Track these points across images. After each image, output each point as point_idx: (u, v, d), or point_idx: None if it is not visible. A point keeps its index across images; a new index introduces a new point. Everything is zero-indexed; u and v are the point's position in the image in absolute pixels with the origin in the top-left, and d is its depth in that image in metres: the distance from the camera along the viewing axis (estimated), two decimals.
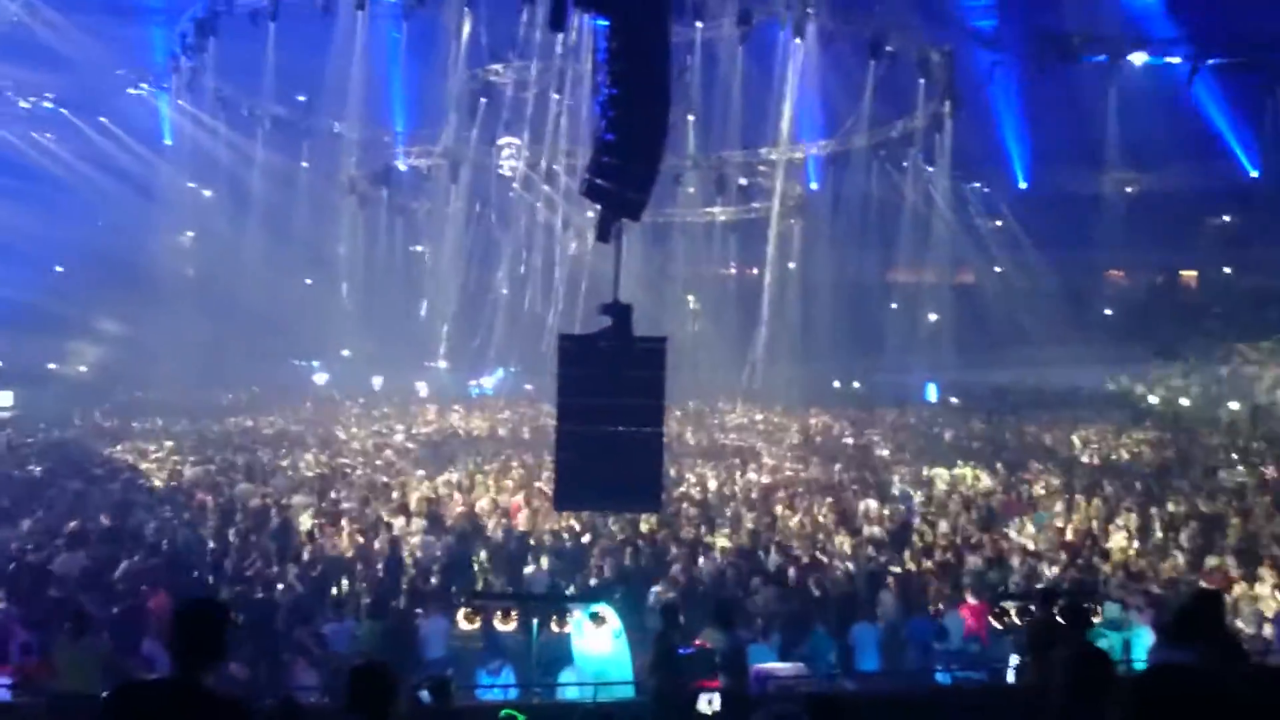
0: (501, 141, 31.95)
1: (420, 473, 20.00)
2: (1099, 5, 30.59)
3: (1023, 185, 35.25)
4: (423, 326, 37.84)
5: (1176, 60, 25.50)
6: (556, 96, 29.05)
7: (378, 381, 39.88)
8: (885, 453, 24.93)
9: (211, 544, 13.55)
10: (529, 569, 13.00)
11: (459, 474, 20.29)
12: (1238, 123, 31.50)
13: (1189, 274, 35.83)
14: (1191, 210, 35.57)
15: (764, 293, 34.69)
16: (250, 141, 32.87)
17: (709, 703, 7.03)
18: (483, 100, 30.92)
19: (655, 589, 11.76)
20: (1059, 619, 6.95)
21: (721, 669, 8.17)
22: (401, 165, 34.82)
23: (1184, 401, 31.96)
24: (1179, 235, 35.41)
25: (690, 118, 31.85)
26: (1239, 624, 10.12)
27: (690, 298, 42.67)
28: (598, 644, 9.32)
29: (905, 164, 32.82)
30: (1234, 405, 30.74)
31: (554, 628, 9.68)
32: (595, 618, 9.45)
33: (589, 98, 24.46)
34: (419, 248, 38.86)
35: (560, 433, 10.56)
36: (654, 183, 10.11)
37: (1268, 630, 10.32)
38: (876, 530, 15.85)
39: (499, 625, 9.93)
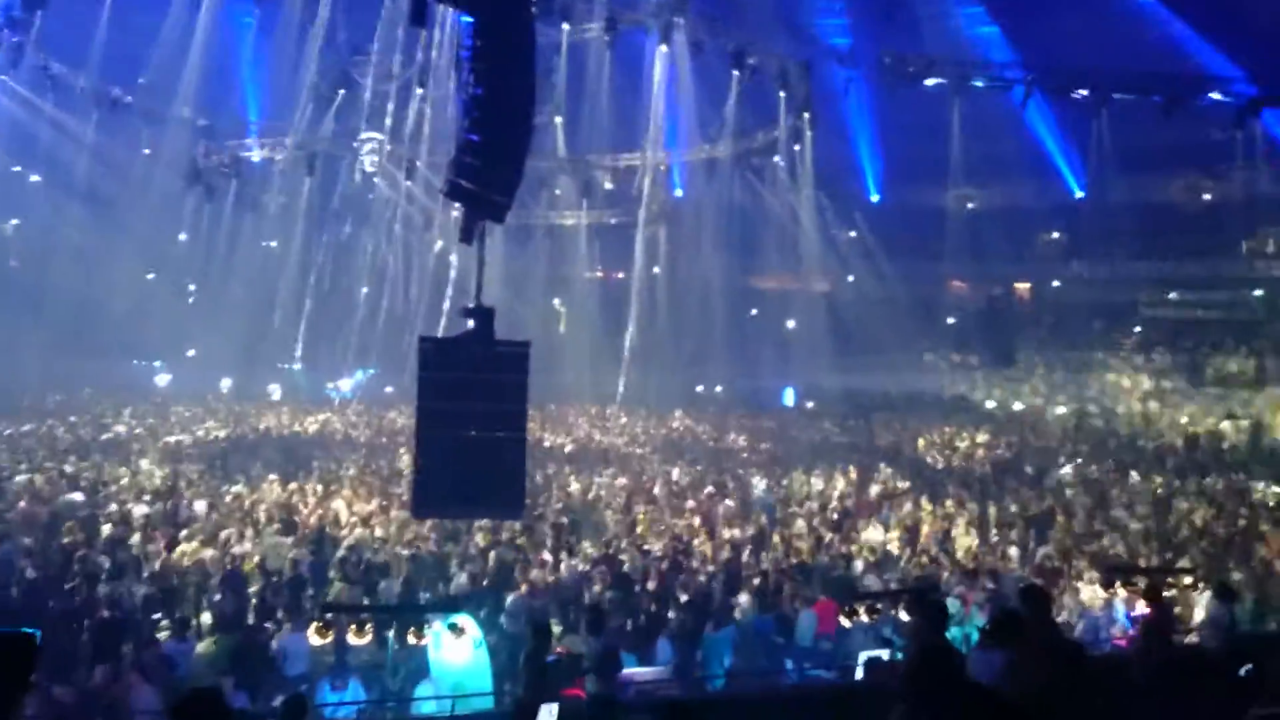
0: (363, 136, 30.95)
1: (273, 477, 19.09)
2: (943, 30, 32.45)
3: (875, 198, 36.91)
4: (276, 326, 36.24)
5: (1011, 84, 27.20)
6: (420, 91, 28.39)
7: (226, 384, 37.90)
8: (745, 456, 25.49)
9: (27, 559, 12.46)
10: (384, 580, 12.60)
11: (312, 480, 19.50)
12: (1066, 145, 33.98)
13: (1023, 286, 38.31)
14: (1026, 226, 38.11)
15: (630, 297, 35.01)
16: (83, 124, 30.57)
17: (549, 713, 6.97)
18: (341, 92, 29.88)
19: (512, 596, 11.63)
20: (916, 617, 7.24)
21: (595, 673, 8.15)
22: (255, 156, 33.22)
23: (1017, 405, 34.18)
24: (1015, 249, 37.85)
25: (558, 120, 31.79)
26: (1066, 617, 10.84)
27: (556, 301, 42.61)
28: (457, 655, 9.12)
29: (766, 174, 33.75)
30: (1060, 410, 33.12)
31: (411, 639, 9.43)
32: (454, 628, 9.25)
33: (453, 95, 24.04)
34: (272, 243, 37.11)
35: (419, 438, 10.30)
36: (518, 185, 9.99)
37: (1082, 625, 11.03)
38: (736, 532, 16.19)
39: (352, 639, 9.59)
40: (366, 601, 11.69)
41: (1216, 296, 33.70)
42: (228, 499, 16.91)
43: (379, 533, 15.03)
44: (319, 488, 18.37)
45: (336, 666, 9.12)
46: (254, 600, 11.79)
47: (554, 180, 35.41)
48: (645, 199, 33.98)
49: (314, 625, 9.21)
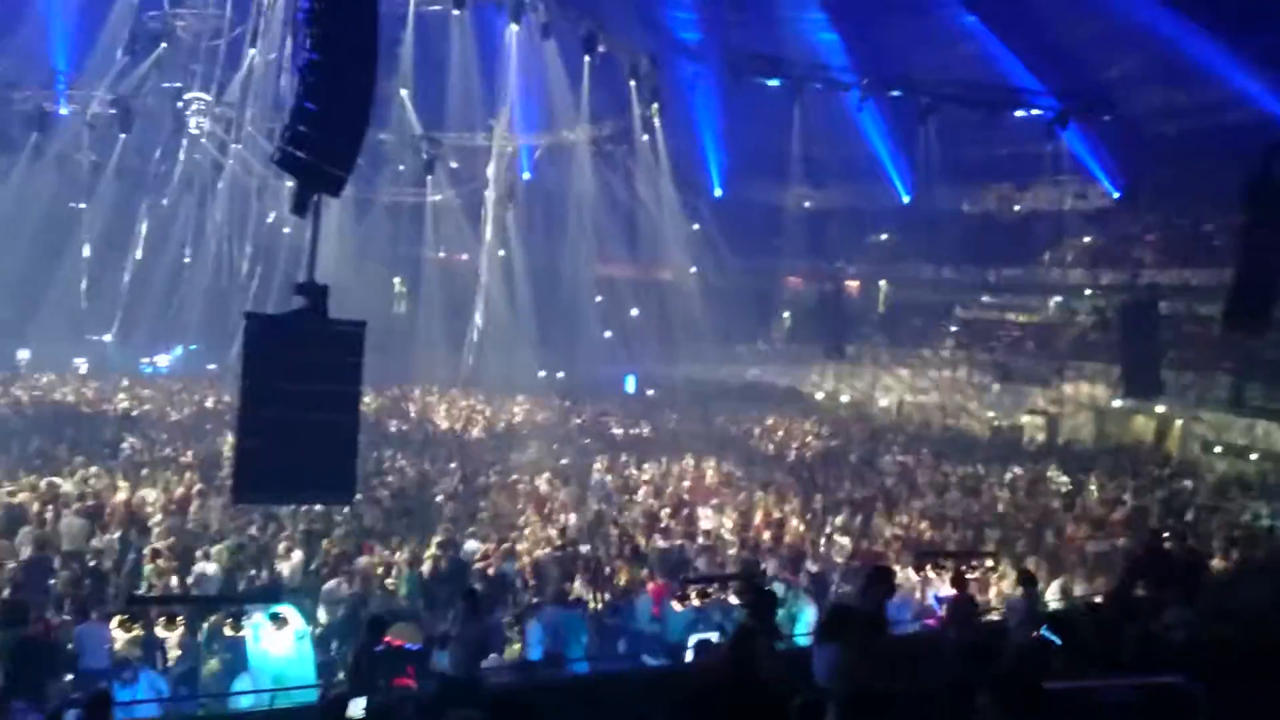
0: (188, 96, 28.86)
1: (79, 459, 17.62)
2: (787, 34, 33.50)
3: (718, 192, 37.75)
4: (85, 295, 33.39)
5: (848, 87, 28.40)
6: (252, 52, 26.74)
7: (24, 355, 34.60)
8: (586, 441, 25.58)
9: None
10: (199, 567, 11.88)
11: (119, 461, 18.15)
12: (896, 151, 35.85)
13: (853, 284, 40.20)
14: (857, 226, 40.03)
15: (476, 279, 34.37)
16: None
17: (359, 707, 6.80)
18: (163, 45, 27.70)
19: (330, 584, 11.24)
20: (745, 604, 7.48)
21: (466, 657, 7.98)
22: (64, 109, 30.37)
23: (844, 398, 35.91)
24: (846, 249, 39.68)
25: (404, 92, 30.73)
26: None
27: (396, 280, 41.36)
28: (278, 646, 8.73)
29: (615, 162, 33.88)
30: (884, 402, 35.04)
31: (228, 631, 8.96)
32: (276, 619, 8.85)
33: (289, 59, 22.81)
34: (80, 204, 34.05)
35: (242, 419, 9.77)
36: (355, 158, 9.60)
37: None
38: (573, 517, 16.24)
39: (162, 632, 9.01)
40: (180, 592, 11.01)
41: (1021, 301, 36.49)
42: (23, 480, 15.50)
43: (196, 519, 14.19)
44: (128, 470, 17.14)
45: (137, 661, 8.51)
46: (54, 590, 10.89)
47: (397, 156, 34.22)
48: (492, 180, 33.42)
49: (117, 619, 8.56)
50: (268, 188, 31.29)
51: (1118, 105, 29.82)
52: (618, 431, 27.72)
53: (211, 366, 34.14)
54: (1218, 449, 25.17)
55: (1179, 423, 27.05)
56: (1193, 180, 28.36)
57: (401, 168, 34.94)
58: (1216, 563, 13.25)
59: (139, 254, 33.55)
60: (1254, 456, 24.15)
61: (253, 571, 12.07)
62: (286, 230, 30.71)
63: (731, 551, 14.37)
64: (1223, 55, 27.71)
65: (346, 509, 13.92)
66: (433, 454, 21.72)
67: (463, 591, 9.44)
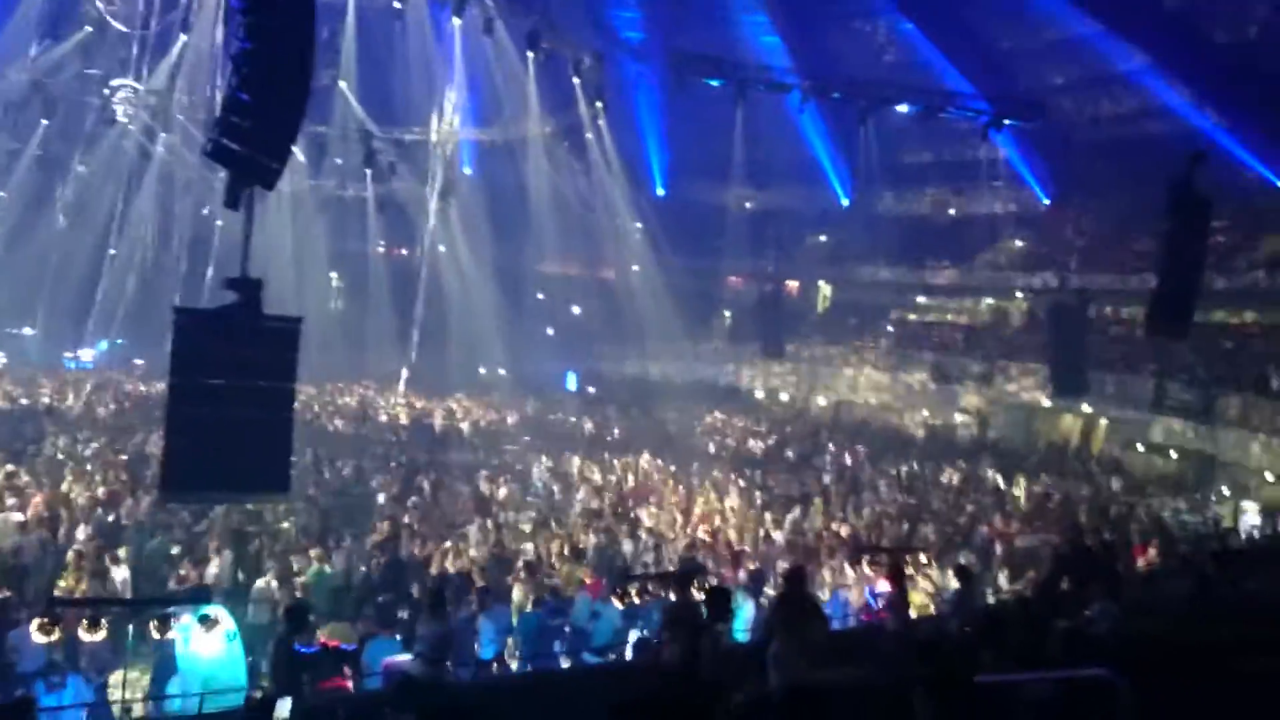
0: (115, 83, 27.95)
1: None
2: (729, 34, 33.77)
3: (661, 191, 37.87)
4: (3, 287, 32.16)
5: (789, 89, 28.66)
6: (184, 39, 26.02)
7: None
8: (527, 439, 25.44)
9: None
10: (122, 568, 11.49)
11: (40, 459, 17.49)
12: (835, 153, 36.36)
13: (793, 284, 40.64)
14: (797, 227, 40.51)
15: (416, 275, 33.95)
16: None
17: (285, 708, 6.67)
18: (87, 29, 26.78)
19: (261, 583, 10.99)
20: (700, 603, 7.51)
21: (428, 658, 7.91)
22: None
23: (784, 396, 36.31)
24: (786, 249, 40.11)
25: (343, 84, 30.20)
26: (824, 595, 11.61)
27: (333, 276, 40.64)
28: (207, 648, 8.50)
29: (558, 160, 33.74)
30: (822, 401, 35.50)
31: (155, 634, 8.69)
32: (206, 620, 8.62)
33: (221, 48, 22.26)
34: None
35: (170, 416, 9.52)
36: (290, 150, 9.42)
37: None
38: (512, 516, 16.14)
39: (85, 635, 8.70)
40: (105, 594, 10.65)
41: (956, 303, 37.30)
42: None
43: (122, 518, 13.75)
44: (50, 468, 16.53)
45: (63, 664, 8.22)
46: None
47: (335, 149, 33.58)
48: (433, 175, 33.03)
49: (36, 622, 8.23)
50: (199, 180, 30.49)
51: (1049, 113, 30.65)
52: (559, 430, 27.62)
53: (138, 361, 33.14)
54: (1140, 447, 26.03)
55: (1104, 421, 27.92)
56: (1120, 187, 29.26)
57: (339, 161, 34.29)
58: (1138, 559, 13.71)
59: (62, 246, 32.40)
60: (1173, 455, 25.04)
61: (180, 572, 11.74)
62: (220, 224, 29.93)
63: (672, 549, 14.40)
64: (1148, 68, 28.69)
65: (281, 507, 13.65)
66: (372, 452, 21.34)
67: (431, 592, 9.31)
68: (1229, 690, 5.21)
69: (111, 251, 32.04)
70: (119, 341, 34.93)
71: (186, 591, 10.62)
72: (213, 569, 11.87)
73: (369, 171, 33.50)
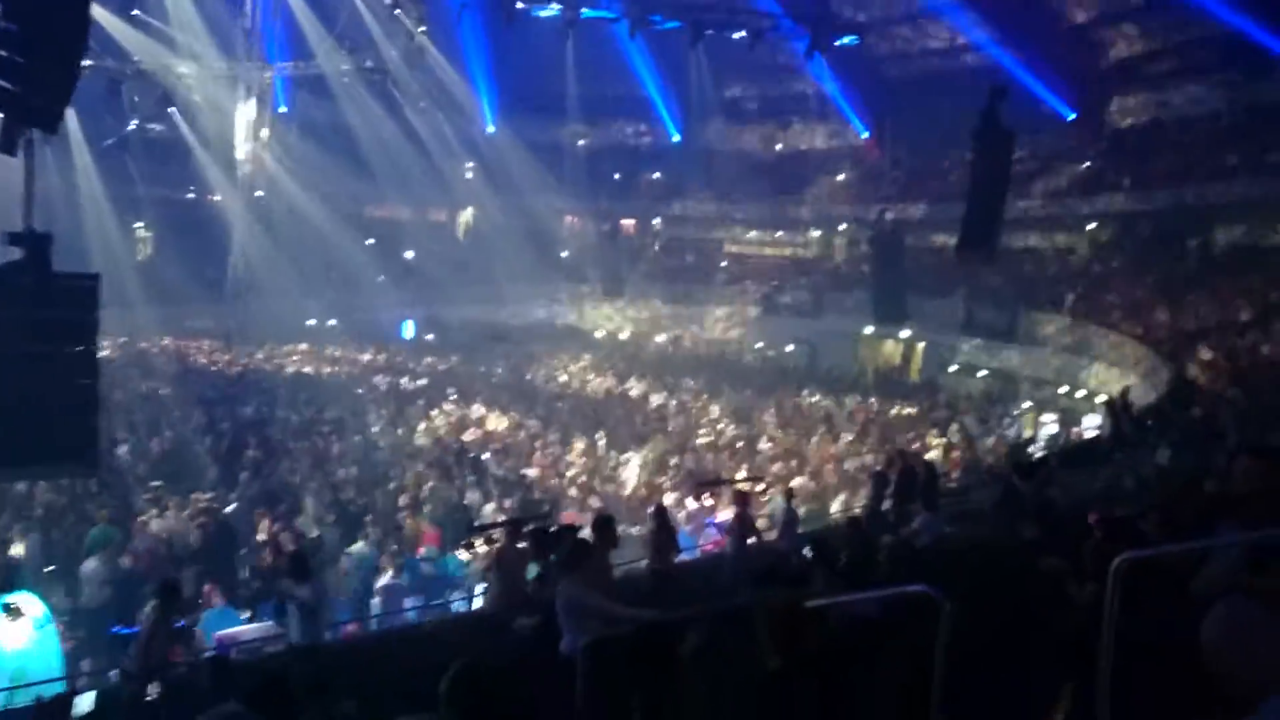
0: None
1: None
2: None
3: (491, 129, 36.84)
4: None
5: (617, 19, 28.16)
6: None
7: None
8: (360, 391, 24.61)
9: None
10: None
11: None
12: (666, 88, 36.39)
13: (629, 222, 40.76)
14: (631, 164, 40.52)
15: (230, 222, 31.77)
16: None
17: (86, 703, 6.33)
18: None
19: (92, 563, 10.27)
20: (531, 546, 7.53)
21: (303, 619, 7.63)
22: None
23: (624, 335, 36.65)
24: (622, 187, 40.12)
25: (136, 13, 27.57)
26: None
27: (138, 226, 37.52)
28: (12, 640, 7.85)
29: (381, 96, 32.18)
30: (660, 338, 36.07)
31: None
32: (9, 610, 7.95)
33: None
34: None
35: None
36: (72, 88, 8.51)
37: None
38: (354, 471, 15.68)
39: None
40: None
41: (785, 236, 38.52)
42: None
43: None
44: None
45: None
46: None
47: (129, 87, 30.69)
48: (242, 114, 30.79)
49: None
50: None
51: (864, 48, 31.65)
52: (400, 379, 26.85)
53: None
54: (953, 369, 27.94)
55: (921, 345, 29.76)
56: (931, 120, 30.76)
57: (136, 99, 31.40)
58: (952, 472, 14.78)
59: None
60: (982, 374, 27.03)
61: None
62: None
63: (517, 496, 14.40)
64: (954, 4, 30.02)
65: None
66: (202, 412, 19.94)
67: (291, 557, 8.93)
68: (1032, 587, 5.70)
69: None
70: None
71: None
72: (18, 552, 10.95)
73: (172, 111, 30.91)
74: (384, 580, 10.12)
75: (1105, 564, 3.35)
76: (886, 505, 10.65)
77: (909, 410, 22.63)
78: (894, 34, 33.20)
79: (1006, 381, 26.06)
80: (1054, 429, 20.92)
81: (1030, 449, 17.56)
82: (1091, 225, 28.21)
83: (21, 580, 9.51)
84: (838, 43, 29.15)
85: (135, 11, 27.44)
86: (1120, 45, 28.36)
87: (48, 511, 12.08)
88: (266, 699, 4.01)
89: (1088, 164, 28.68)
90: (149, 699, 6.23)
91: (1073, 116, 29.19)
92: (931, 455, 15.78)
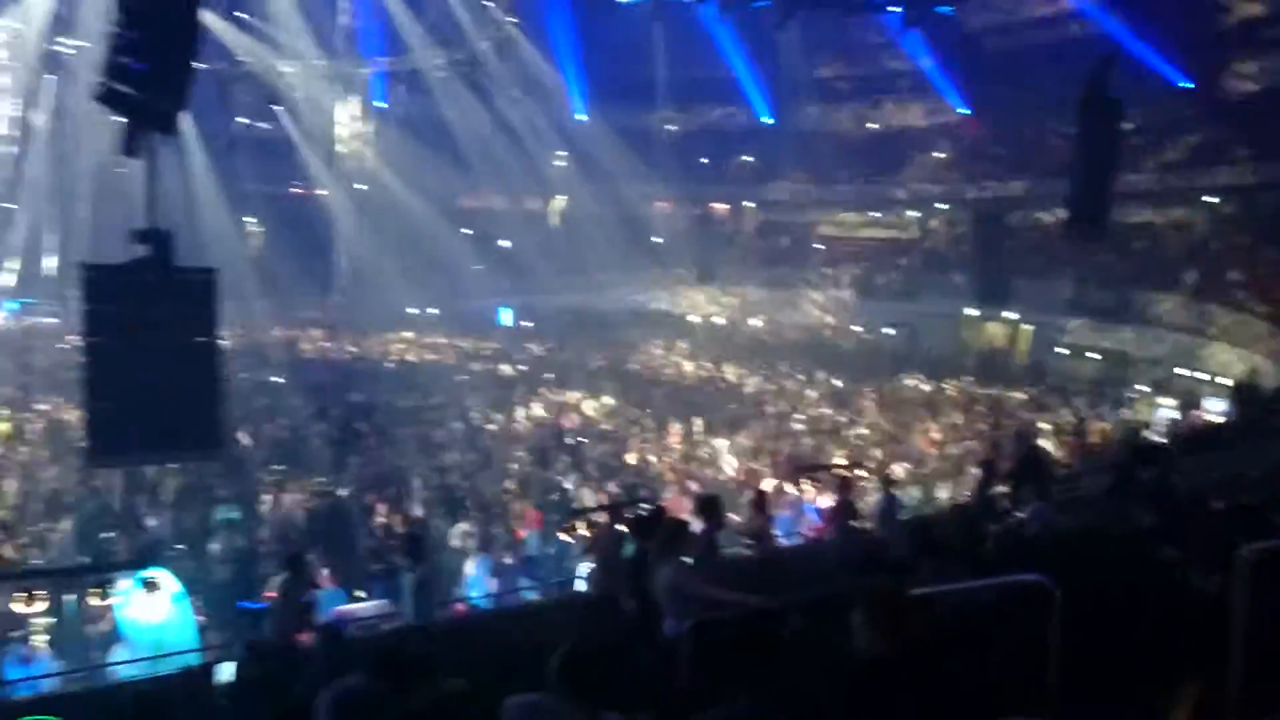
0: None
1: None
2: None
3: (581, 116, 37.10)
4: None
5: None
6: None
7: None
8: (465, 378, 25.21)
9: None
10: (54, 536, 11.21)
11: None
12: (756, 70, 35.98)
13: (721, 206, 40.51)
14: (721, 148, 40.18)
15: (333, 215, 32.95)
16: None
17: (227, 672, 6.65)
18: None
19: (215, 542, 10.84)
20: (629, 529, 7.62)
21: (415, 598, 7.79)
22: None
23: (717, 320, 36.52)
24: (712, 171, 39.86)
25: (245, 16, 28.78)
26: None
27: (249, 220, 39.13)
28: (152, 613, 8.36)
29: (475, 87, 32.77)
30: (755, 322, 35.81)
31: (95, 601, 8.51)
32: (148, 584, 8.46)
33: None
34: None
35: (90, 379, 9.15)
36: (188, 91, 8.90)
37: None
38: (457, 456, 16.11)
39: (20, 608, 8.48)
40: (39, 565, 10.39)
41: (881, 218, 37.68)
42: None
43: (55, 483, 13.36)
44: None
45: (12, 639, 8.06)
46: None
47: (236, 87, 32.05)
48: (342, 110, 31.87)
49: None
50: (99, 125, 28.87)
51: (961, 21, 30.65)
52: (499, 366, 27.39)
53: (53, 321, 31.72)
54: (1061, 350, 26.92)
55: (1026, 327, 28.76)
56: (1035, 93, 29.60)
57: (245, 99, 32.78)
58: (1064, 458, 14.29)
59: None
60: (1093, 356, 25.98)
61: (112, 534, 11.48)
62: (121, 171, 28.48)
63: (618, 481, 14.55)
64: None
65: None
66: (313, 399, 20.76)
67: (405, 538, 9.26)
68: (1148, 576, 5.49)
69: (14, 206, 30.41)
70: (32, 300, 33.32)
71: (126, 556, 10.40)
72: (154, 529, 11.64)
73: (277, 108, 32.19)
74: (489, 562, 10.40)
75: (1230, 554, 3.21)
76: (994, 491, 10.36)
77: (1016, 394, 21.95)
78: (993, 4, 32.02)
79: (1119, 363, 24.99)
80: (1171, 413, 19.99)
81: (1146, 433, 16.83)
82: (1209, 199, 26.73)
83: (156, 557, 10.08)
84: (935, 10, 28.28)
85: (239, 13, 28.56)
86: (1239, 7, 26.73)
87: (178, 493, 12.79)
88: (388, 672, 4.19)
89: (1202, 134, 27.15)
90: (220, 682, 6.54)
91: (1186, 84, 27.66)
92: (1041, 440, 15.28)
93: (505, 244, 38.80)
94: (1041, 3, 30.96)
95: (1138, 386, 22.98)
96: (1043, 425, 17.73)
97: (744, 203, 40.62)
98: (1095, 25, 27.46)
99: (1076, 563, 5.29)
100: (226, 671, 6.54)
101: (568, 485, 14.09)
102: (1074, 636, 3.55)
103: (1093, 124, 15.68)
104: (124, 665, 8.05)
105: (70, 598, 8.69)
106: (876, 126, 38.31)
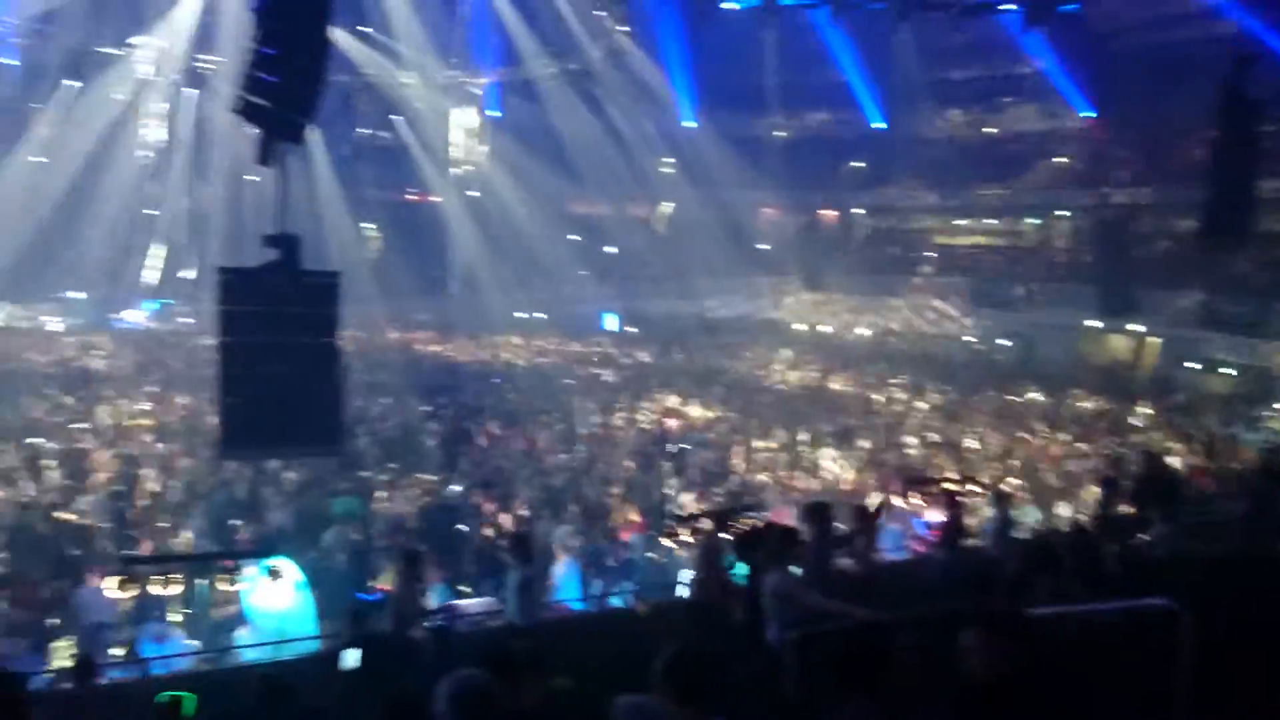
0: (137, 40, 27.96)
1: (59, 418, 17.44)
2: None
3: (690, 123, 37.17)
4: (51, 249, 32.57)
5: (816, 4, 27.56)
6: None
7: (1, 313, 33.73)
8: (569, 382, 25.55)
9: None
10: (187, 524, 11.88)
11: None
12: (867, 75, 35.34)
13: (829, 213, 39.95)
14: (831, 154, 39.58)
15: (447, 221, 33.94)
16: None
17: (352, 659, 6.86)
18: None
19: (331, 532, 11.29)
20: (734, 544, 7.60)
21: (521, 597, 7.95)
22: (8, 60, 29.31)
23: (824, 328, 36.01)
24: (820, 178, 39.30)
25: (367, 30, 30.01)
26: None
27: (368, 226, 40.70)
28: (276, 600, 8.79)
29: (584, 95, 33.27)
30: (863, 331, 35.16)
31: (222, 587, 9.00)
32: (272, 572, 8.90)
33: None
34: (41, 158, 32.87)
35: (224, 376, 9.67)
36: (318, 102, 9.34)
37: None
38: (562, 458, 16.34)
39: (158, 590, 9.04)
40: (173, 550, 11.04)
41: (997, 225, 36.48)
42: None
43: (187, 476, 14.17)
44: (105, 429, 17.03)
45: (150, 619, 8.60)
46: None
47: (359, 98, 33.43)
48: (458, 119, 32.81)
49: (115, 579, 8.57)
50: (226, 138, 30.53)
51: (1087, 21, 29.38)
52: (604, 370, 27.70)
53: (190, 320, 33.62)
54: (1192, 364, 25.49)
55: (1153, 340, 27.36)
56: (1165, 96, 28.19)
57: (363, 110, 34.16)
58: (1194, 479, 13.54)
59: (101, 208, 32.76)
60: (1228, 371, 24.51)
61: (239, 522, 12.09)
62: (249, 178, 30.04)
63: (723, 488, 14.51)
64: None
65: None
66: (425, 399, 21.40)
67: (513, 538, 9.44)
68: None
69: (154, 212, 32.38)
70: (169, 302, 35.44)
71: (251, 545, 10.94)
72: (275, 520, 12.20)
73: (396, 118, 33.40)
74: (593, 564, 10.53)
75: None
76: (1116, 511, 9.88)
77: (1142, 409, 20.91)
78: (1121, 4, 30.59)
79: (1258, 380, 23.50)
80: None
81: None
82: None
83: (278, 547, 10.58)
84: (1059, 10, 27.16)
85: (362, 27, 29.75)
86: None
87: (298, 486, 13.39)
88: (500, 668, 4.29)
89: None
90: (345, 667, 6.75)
91: None
92: (1170, 460, 14.51)
93: (612, 250, 39.20)
94: (1174, 1, 29.44)
95: (1276, 405, 21.57)
96: (1171, 444, 16.83)
97: (853, 209, 39.95)
98: (1233, 24, 25.95)
99: (1212, 588, 5.01)
100: (352, 658, 6.78)
101: (670, 491, 14.13)
102: (1208, 663, 3.37)
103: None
104: (249, 648, 8.49)
105: (202, 582, 9.22)
106: (994, 131, 37.11)
